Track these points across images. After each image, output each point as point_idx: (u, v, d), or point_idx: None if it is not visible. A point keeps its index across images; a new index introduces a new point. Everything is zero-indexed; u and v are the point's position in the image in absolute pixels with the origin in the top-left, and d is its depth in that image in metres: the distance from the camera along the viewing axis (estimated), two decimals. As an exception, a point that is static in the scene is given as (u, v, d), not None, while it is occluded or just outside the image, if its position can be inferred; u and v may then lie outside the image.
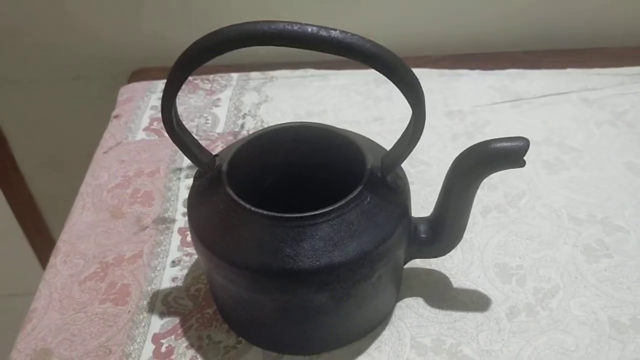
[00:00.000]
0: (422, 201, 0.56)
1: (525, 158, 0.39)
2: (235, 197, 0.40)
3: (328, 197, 0.43)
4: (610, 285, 0.48)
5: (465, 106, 0.67)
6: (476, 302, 0.47)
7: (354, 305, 0.41)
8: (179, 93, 0.38)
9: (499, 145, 0.39)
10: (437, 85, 0.70)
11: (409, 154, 0.40)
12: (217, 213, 0.40)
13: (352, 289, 0.40)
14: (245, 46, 0.35)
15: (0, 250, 0.96)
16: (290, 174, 0.48)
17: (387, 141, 0.62)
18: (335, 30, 0.34)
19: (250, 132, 0.64)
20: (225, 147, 0.62)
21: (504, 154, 0.39)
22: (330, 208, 0.39)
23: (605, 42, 0.77)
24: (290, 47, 0.35)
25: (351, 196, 0.40)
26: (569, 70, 0.71)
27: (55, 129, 0.85)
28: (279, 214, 0.38)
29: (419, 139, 0.39)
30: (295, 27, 0.34)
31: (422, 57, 0.75)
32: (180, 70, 0.36)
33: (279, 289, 0.39)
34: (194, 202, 0.43)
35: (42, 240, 0.95)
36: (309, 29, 0.34)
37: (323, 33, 0.34)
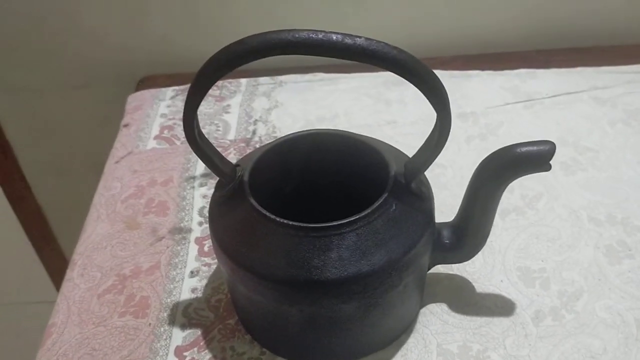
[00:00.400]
0: (440, 205, 0.54)
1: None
2: (260, 208, 0.39)
3: (348, 204, 0.42)
4: (635, 287, 0.47)
5: (477, 108, 0.66)
6: (501, 306, 0.47)
7: (381, 314, 0.41)
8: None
9: (524, 149, 0.39)
10: (448, 87, 0.67)
11: (434, 159, 0.39)
12: (241, 224, 0.40)
13: (380, 298, 0.40)
14: (268, 56, 0.34)
15: (8, 259, 0.96)
16: (310, 181, 0.48)
17: (401, 144, 0.61)
18: (360, 37, 0.34)
19: (263, 138, 0.64)
20: (238, 154, 0.62)
21: (530, 159, 0.39)
22: (357, 217, 0.38)
23: (615, 40, 0.77)
24: (314, 55, 0.34)
25: (377, 204, 0.39)
26: (579, 68, 0.71)
27: (61, 137, 0.84)
28: (305, 224, 0.38)
29: (444, 144, 0.38)
30: (320, 36, 0.34)
31: (432, 59, 0.75)
32: (203, 82, 0.36)
33: (306, 300, 0.39)
34: (216, 213, 0.42)
35: (49, 249, 0.94)
36: (334, 37, 0.34)
37: (348, 41, 0.34)
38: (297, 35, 0.34)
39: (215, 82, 0.36)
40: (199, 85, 0.36)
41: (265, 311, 0.42)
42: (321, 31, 0.34)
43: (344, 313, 0.40)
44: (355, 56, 0.34)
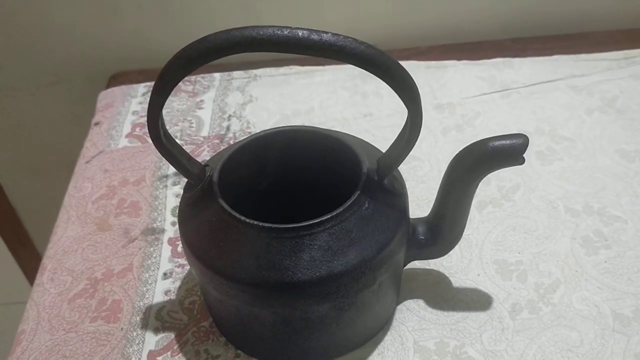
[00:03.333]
0: (417, 199, 0.55)
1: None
2: (229, 209, 0.38)
3: (324, 201, 0.42)
4: (611, 277, 0.47)
5: (454, 98, 0.66)
6: (477, 301, 0.46)
7: (356, 313, 0.40)
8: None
9: (497, 143, 0.38)
10: (424, 78, 0.68)
11: (406, 155, 0.39)
12: (211, 226, 0.39)
13: (354, 297, 0.39)
14: (232, 53, 0.33)
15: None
16: (284, 179, 0.47)
17: (377, 138, 0.61)
18: (327, 33, 0.33)
19: (237, 134, 0.63)
20: (212, 151, 0.61)
21: (503, 153, 0.38)
22: (328, 216, 0.37)
23: (592, 27, 0.76)
24: (280, 52, 0.33)
25: (349, 202, 0.38)
26: (555, 57, 0.71)
27: (33, 137, 0.83)
28: (275, 225, 0.37)
29: (416, 140, 0.38)
30: (285, 32, 0.32)
31: (408, 49, 0.74)
32: (166, 81, 0.34)
33: (278, 302, 0.38)
34: (185, 215, 0.41)
35: (24, 250, 0.93)
36: (300, 33, 0.33)
37: (314, 37, 0.33)
38: (261, 32, 0.33)
39: (180, 80, 0.35)
40: (162, 84, 0.35)
41: (238, 314, 0.41)
42: (287, 27, 0.33)
43: (317, 314, 0.39)
44: (322, 52, 0.33)
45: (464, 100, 0.65)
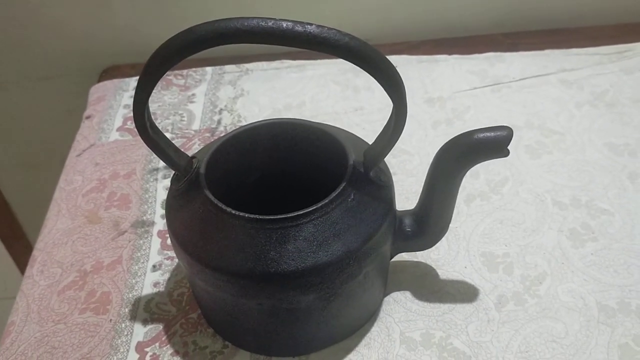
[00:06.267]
0: (406, 192, 0.55)
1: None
2: (215, 201, 0.38)
3: (312, 193, 0.42)
4: (597, 270, 0.47)
5: (445, 92, 0.66)
6: (464, 293, 0.46)
7: (342, 304, 0.41)
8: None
9: (481, 135, 0.38)
10: (415, 72, 0.69)
11: (391, 148, 0.39)
12: (197, 217, 0.39)
13: (339, 288, 0.39)
14: (218, 45, 0.33)
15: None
16: (272, 172, 0.47)
17: (368, 132, 0.61)
18: (311, 25, 0.33)
19: (228, 128, 0.63)
20: (203, 144, 0.61)
21: (487, 145, 0.38)
22: (313, 208, 0.38)
23: (582, 22, 0.77)
24: (266, 44, 0.33)
25: (334, 194, 0.39)
26: (547, 51, 0.71)
27: (26, 131, 0.83)
28: (260, 217, 0.37)
29: (400, 132, 0.38)
30: (270, 24, 0.33)
31: (399, 44, 0.74)
32: (151, 73, 0.34)
33: (264, 293, 0.38)
34: (172, 207, 0.41)
35: (18, 244, 0.93)
36: (284, 25, 0.33)
37: (298, 28, 0.33)
38: (245, 24, 0.33)
39: (165, 72, 0.35)
40: (148, 76, 0.35)
41: (225, 305, 0.41)
42: (271, 19, 0.33)
43: (303, 305, 0.39)
44: (307, 44, 0.33)
45: (455, 94, 0.66)
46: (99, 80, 0.73)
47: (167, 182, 0.57)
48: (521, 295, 0.46)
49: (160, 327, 0.45)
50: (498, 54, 0.71)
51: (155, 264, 0.50)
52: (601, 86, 0.65)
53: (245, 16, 0.33)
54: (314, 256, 0.37)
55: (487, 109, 0.64)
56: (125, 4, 0.73)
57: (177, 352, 0.44)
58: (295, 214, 0.37)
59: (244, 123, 0.63)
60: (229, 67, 0.71)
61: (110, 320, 0.46)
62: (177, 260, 0.50)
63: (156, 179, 0.58)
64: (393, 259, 0.46)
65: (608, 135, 0.59)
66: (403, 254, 0.48)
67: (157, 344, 0.44)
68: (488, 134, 0.38)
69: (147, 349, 0.44)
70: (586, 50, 0.70)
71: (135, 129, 0.38)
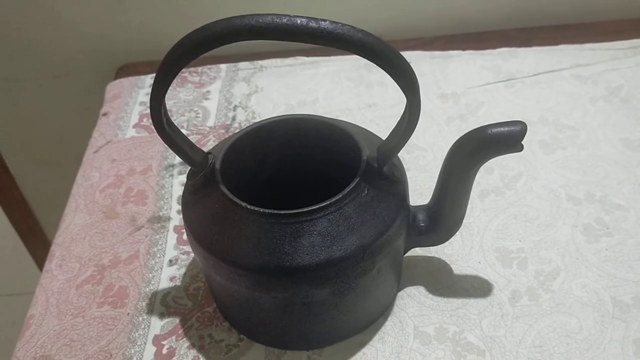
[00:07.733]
0: (420, 188, 0.55)
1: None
2: (231, 196, 0.39)
3: (325, 189, 0.42)
4: (612, 265, 0.47)
5: (458, 88, 0.66)
6: (478, 287, 0.47)
7: (356, 298, 0.41)
8: (167, 87, 0.37)
9: (495, 130, 0.39)
10: (429, 68, 0.69)
11: (404, 143, 0.39)
12: (213, 212, 0.40)
13: (353, 282, 0.40)
14: (233, 42, 0.34)
15: (-5, 252, 0.96)
16: (285, 167, 0.48)
17: (381, 128, 0.61)
18: (325, 21, 0.33)
19: (242, 124, 0.64)
20: (217, 140, 0.62)
21: (501, 140, 0.38)
22: (328, 202, 0.38)
23: (597, 17, 0.76)
24: (280, 40, 0.34)
25: (348, 189, 0.39)
26: (561, 46, 0.70)
27: (44, 128, 0.84)
28: (275, 211, 0.38)
29: (414, 128, 0.38)
30: (284, 20, 0.33)
31: (413, 40, 0.74)
32: (167, 70, 0.35)
33: (278, 287, 0.39)
34: (188, 202, 0.42)
35: (36, 240, 0.94)
36: (298, 21, 0.33)
37: (313, 24, 0.33)
38: (260, 20, 0.33)
39: (181, 69, 0.35)
40: (164, 73, 0.36)
41: (241, 298, 0.42)
42: (285, 15, 0.33)
43: (317, 299, 0.40)
44: (321, 40, 0.33)
45: (468, 90, 0.66)
46: (115, 78, 0.74)
47: (183, 178, 0.58)
48: (535, 290, 0.46)
49: (177, 320, 0.46)
50: (512, 49, 0.71)
51: (171, 259, 0.51)
52: (616, 81, 0.65)
53: (259, 13, 0.34)
54: (328, 250, 0.38)
55: (500, 105, 0.63)
56: (140, 3, 0.73)
57: (193, 345, 0.44)
58: (310, 208, 0.38)
59: (258, 119, 0.64)
60: (243, 64, 0.72)
61: (128, 313, 0.47)
62: (192, 255, 0.51)
63: (172, 175, 0.58)
64: (406, 255, 0.47)
65: (623, 131, 0.59)
66: (417, 249, 0.48)
67: (173, 337, 0.45)
68: (502, 129, 0.38)
69: (164, 342, 0.45)
70: (600, 46, 0.70)
71: (152, 126, 0.38)
